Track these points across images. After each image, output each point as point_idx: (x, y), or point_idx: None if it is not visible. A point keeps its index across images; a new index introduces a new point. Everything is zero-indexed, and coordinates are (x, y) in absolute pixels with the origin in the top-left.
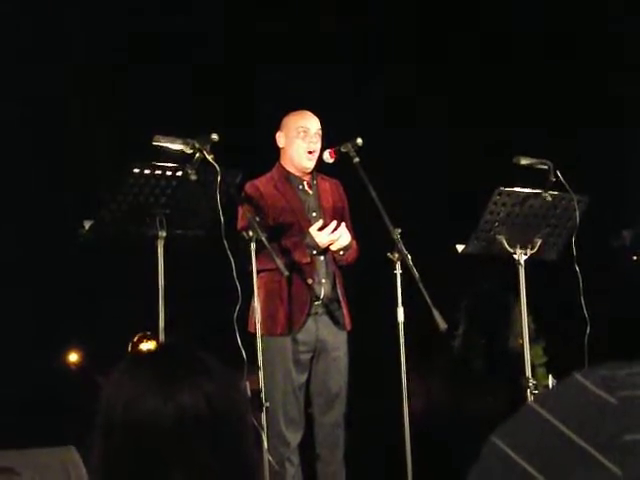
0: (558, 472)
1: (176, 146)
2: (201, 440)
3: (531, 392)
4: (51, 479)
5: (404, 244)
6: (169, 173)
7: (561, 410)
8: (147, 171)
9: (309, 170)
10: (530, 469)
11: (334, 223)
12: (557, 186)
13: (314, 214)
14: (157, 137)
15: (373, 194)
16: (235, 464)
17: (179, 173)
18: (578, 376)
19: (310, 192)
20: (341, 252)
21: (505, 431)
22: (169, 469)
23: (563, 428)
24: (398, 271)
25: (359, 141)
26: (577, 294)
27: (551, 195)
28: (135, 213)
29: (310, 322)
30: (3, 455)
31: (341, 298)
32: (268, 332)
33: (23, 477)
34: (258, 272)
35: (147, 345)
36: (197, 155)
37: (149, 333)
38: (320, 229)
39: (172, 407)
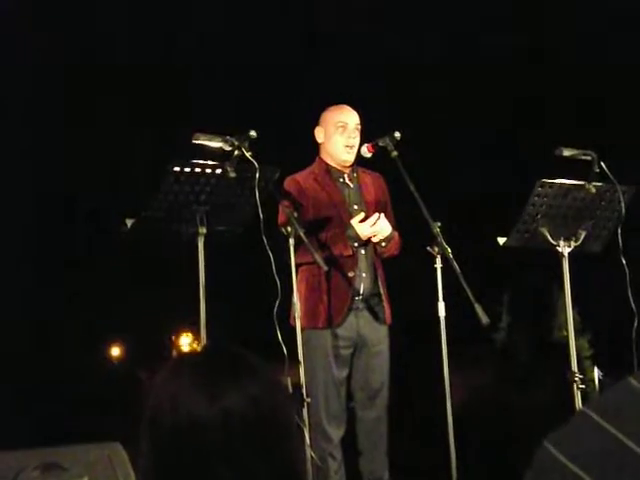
0: (613, 478)
1: (215, 144)
2: (248, 441)
3: (577, 386)
4: (97, 475)
5: (444, 237)
6: (208, 171)
7: (615, 416)
8: (187, 169)
9: (349, 164)
10: (584, 476)
11: (375, 215)
12: (602, 177)
13: (355, 207)
14: (197, 135)
15: (412, 187)
16: (281, 464)
17: (218, 171)
18: (632, 380)
19: (351, 185)
20: (383, 244)
21: (558, 437)
22: (217, 469)
23: (617, 434)
24: (438, 265)
25: (397, 135)
26: (624, 286)
27: (595, 186)
28: (176, 211)
29: (351, 317)
30: (50, 451)
31: (382, 292)
32: (309, 325)
33: (70, 472)
34: (299, 265)
35: (186, 339)
36: (236, 152)
37: (191, 328)
38: (362, 221)
39: (219, 409)
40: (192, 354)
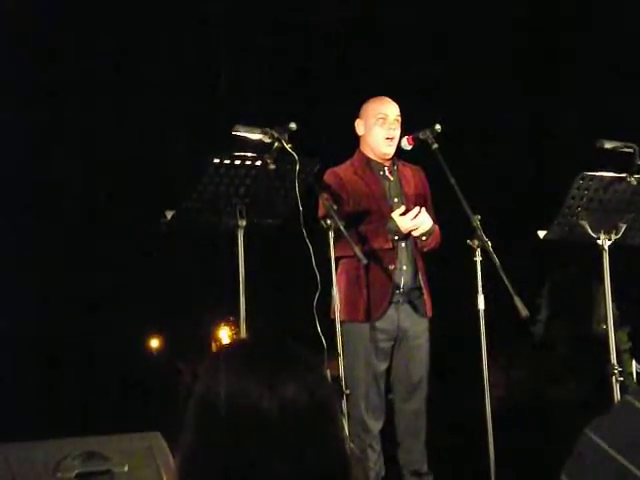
0: None
1: (255, 136)
2: (302, 431)
3: (616, 379)
4: (138, 464)
5: (484, 230)
6: (248, 163)
7: None
8: (227, 161)
9: (389, 156)
10: (627, 463)
11: (416, 208)
12: None
13: (396, 200)
14: (237, 127)
15: (452, 180)
16: (331, 454)
17: (258, 162)
18: None
19: (391, 178)
20: (423, 237)
21: (600, 425)
22: (271, 458)
23: None
24: (478, 258)
25: (437, 127)
26: None
27: (636, 179)
28: (215, 203)
29: (391, 310)
30: (91, 440)
31: (423, 285)
32: (349, 318)
33: (111, 461)
34: (339, 258)
35: (226, 332)
36: (276, 144)
37: (231, 320)
38: (402, 214)
39: (277, 399)
40: (244, 343)
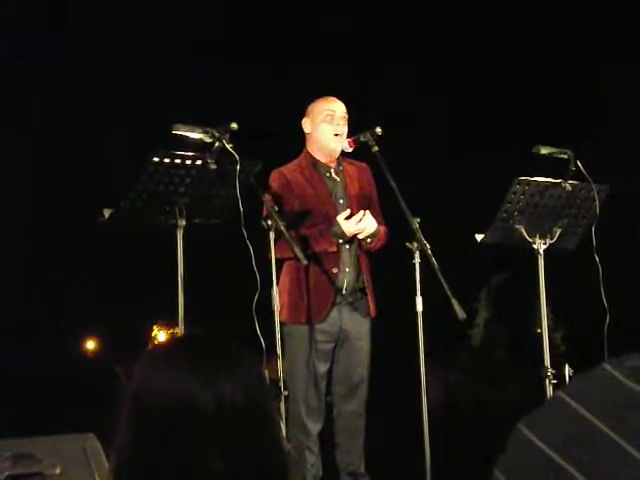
0: (586, 462)
1: (195, 135)
2: (240, 430)
3: (550, 381)
4: (71, 466)
5: (423, 233)
6: (188, 162)
7: (590, 400)
8: (167, 160)
9: (336, 153)
10: (558, 459)
11: (361, 212)
12: (577, 175)
13: (341, 201)
14: (176, 126)
15: (392, 183)
16: (266, 454)
17: (198, 162)
18: (607, 366)
19: (337, 179)
20: (368, 240)
21: (533, 420)
22: (208, 458)
23: (592, 418)
24: (417, 260)
25: (378, 130)
26: (596, 283)
27: (571, 185)
28: (154, 202)
29: (334, 312)
30: (23, 442)
31: (366, 285)
32: (291, 320)
33: (43, 463)
34: (285, 259)
35: (163, 334)
36: (217, 144)
37: (166, 323)
38: (347, 218)
39: (213, 395)
40: (181, 341)
